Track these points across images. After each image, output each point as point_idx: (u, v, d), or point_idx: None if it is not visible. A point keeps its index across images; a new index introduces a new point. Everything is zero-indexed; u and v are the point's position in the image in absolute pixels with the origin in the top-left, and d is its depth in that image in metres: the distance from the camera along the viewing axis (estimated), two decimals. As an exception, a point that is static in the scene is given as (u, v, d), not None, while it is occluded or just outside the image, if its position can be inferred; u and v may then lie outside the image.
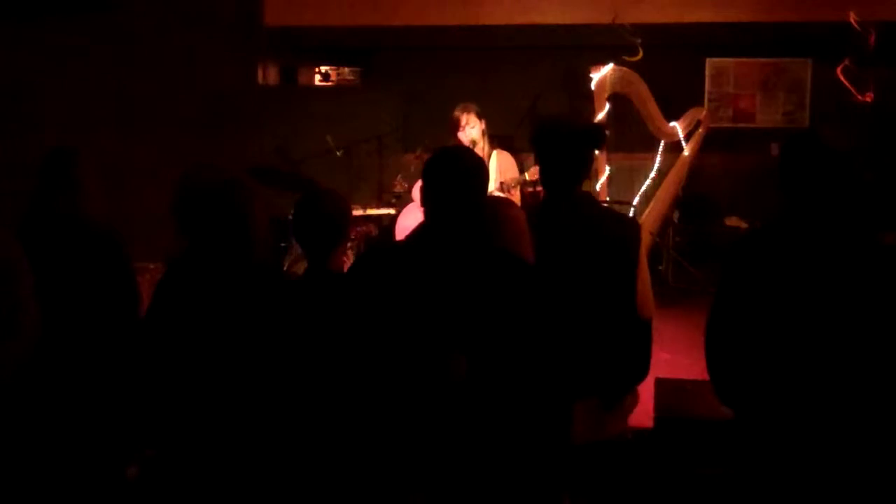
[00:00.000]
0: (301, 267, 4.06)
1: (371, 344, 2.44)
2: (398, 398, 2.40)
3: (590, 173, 3.04)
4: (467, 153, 2.59)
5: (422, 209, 2.53)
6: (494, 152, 5.45)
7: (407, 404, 2.41)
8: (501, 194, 5.01)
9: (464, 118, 5.28)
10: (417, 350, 2.38)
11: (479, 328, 2.36)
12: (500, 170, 5.40)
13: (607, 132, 3.10)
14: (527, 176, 5.28)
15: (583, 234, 2.87)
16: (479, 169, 2.52)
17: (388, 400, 2.41)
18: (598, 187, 6.14)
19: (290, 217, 2.99)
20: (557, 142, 2.94)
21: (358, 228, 5.88)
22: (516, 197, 5.35)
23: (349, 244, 5.20)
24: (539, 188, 5.58)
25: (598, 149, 3.01)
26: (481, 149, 5.32)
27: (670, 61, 7.01)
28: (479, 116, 5.32)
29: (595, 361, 2.84)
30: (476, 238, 2.47)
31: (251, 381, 2.60)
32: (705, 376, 2.66)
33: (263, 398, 2.60)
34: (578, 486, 2.82)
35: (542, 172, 3.01)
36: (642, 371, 2.98)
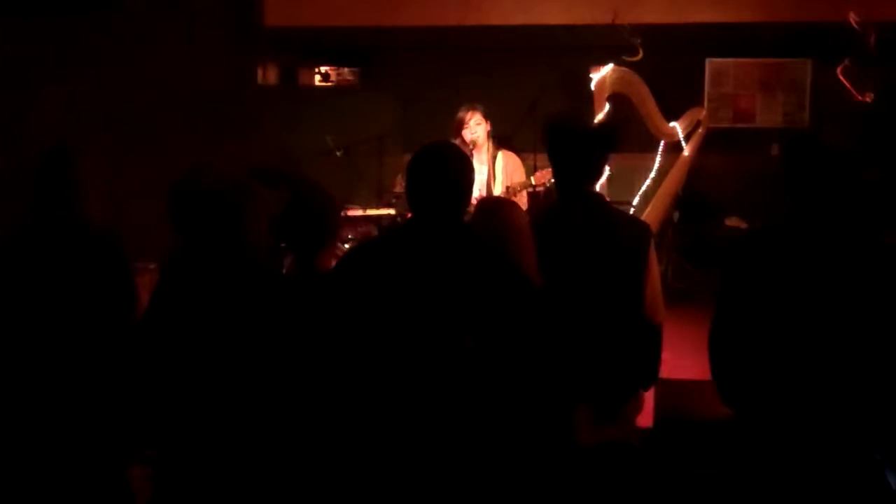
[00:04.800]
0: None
1: (355, 342, 2.43)
2: (390, 397, 2.40)
3: (602, 174, 3.03)
4: (453, 149, 2.57)
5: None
6: (500, 153, 5.39)
7: (400, 403, 2.40)
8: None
9: (469, 115, 5.25)
10: (403, 345, 2.38)
11: (462, 323, 2.36)
12: (507, 171, 5.34)
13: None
14: (532, 181, 5.24)
15: (593, 236, 2.86)
16: (464, 165, 2.50)
17: (381, 399, 2.41)
18: (597, 187, 6.12)
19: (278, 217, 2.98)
20: (570, 143, 2.93)
21: (358, 228, 5.87)
22: (522, 200, 5.31)
23: (347, 244, 5.18)
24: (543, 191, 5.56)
25: (611, 150, 3.01)
26: (484, 149, 5.28)
27: (670, 61, 7.00)
28: (486, 117, 5.28)
29: (601, 364, 2.83)
30: (460, 234, 2.46)
31: (248, 381, 2.60)
32: (706, 376, 2.66)
33: (260, 398, 2.60)
34: (580, 488, 2.81)
35: (554, 173, 2.99)
36: (649, 375, 2.96)
